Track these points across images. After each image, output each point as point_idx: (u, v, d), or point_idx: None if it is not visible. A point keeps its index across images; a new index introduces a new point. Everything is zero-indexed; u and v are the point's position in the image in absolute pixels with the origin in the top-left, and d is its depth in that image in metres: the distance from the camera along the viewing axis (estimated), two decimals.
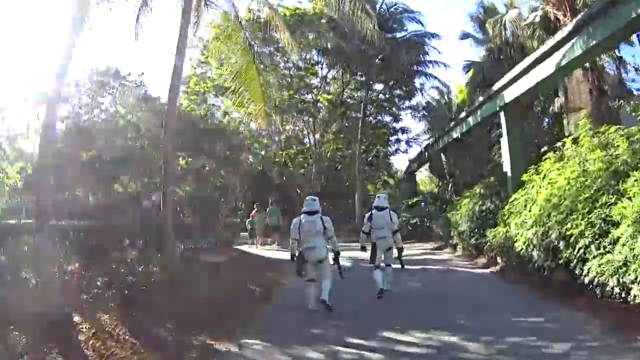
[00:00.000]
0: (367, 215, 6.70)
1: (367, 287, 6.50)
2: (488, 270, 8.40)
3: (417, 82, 22.13)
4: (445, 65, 21.31)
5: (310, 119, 22.85)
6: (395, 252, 6.61)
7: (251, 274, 8.41)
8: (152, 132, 9.18)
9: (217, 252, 10.03)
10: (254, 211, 15.92)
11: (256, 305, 6.29)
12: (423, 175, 39.09)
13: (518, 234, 6.84)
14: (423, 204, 17.52)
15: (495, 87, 11.46)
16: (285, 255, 6.87)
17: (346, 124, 23.48)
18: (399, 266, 6.75)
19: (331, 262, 5.73)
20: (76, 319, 4.37)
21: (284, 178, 23.57)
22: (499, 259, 8.28)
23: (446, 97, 27.07)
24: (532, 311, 5.34)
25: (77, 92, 10.42)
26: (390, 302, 6.15)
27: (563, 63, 8.89)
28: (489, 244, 8.67)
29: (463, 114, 14.59)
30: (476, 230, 9.97)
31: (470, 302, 6.11)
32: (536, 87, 10.30)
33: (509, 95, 10.89)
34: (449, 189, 20.57)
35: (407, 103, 24.69)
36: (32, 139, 7.28)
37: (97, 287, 4.93)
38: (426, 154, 22.21)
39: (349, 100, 23.29)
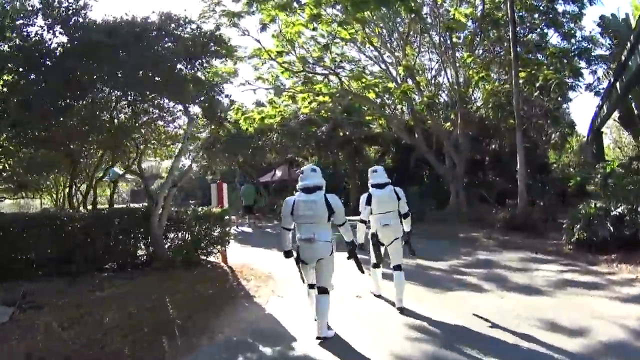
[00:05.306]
0: (363, 197, 5.02)
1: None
2: None
3: None
4: None
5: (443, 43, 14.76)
6: (401, 243, 5.01)
7: None
8: None
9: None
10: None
11: None
12: (607, 140, 29.13)
13: None
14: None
15: None
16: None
17: (495, 48, 15.11)
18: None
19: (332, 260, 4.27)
20: None
21: (416, 136, 15.29)
22: None
23: (620, 16, 18.35)
24: None
25: None
26: None
27: None
28: None
29: None
30: None
31: None
32: None
33: None
34: None
35: (578, 33, 16.83)
36: None
37: None
38: (614, 93, 14.73)
39: (496, 13, 14.53)
